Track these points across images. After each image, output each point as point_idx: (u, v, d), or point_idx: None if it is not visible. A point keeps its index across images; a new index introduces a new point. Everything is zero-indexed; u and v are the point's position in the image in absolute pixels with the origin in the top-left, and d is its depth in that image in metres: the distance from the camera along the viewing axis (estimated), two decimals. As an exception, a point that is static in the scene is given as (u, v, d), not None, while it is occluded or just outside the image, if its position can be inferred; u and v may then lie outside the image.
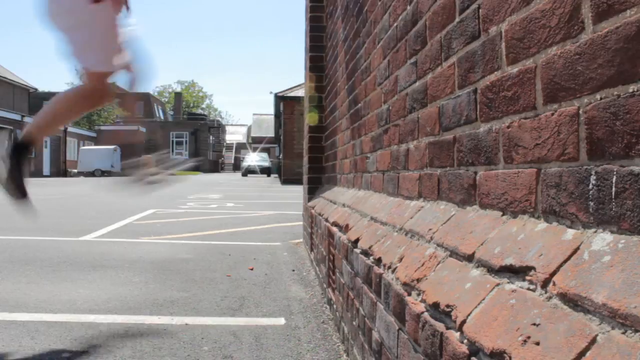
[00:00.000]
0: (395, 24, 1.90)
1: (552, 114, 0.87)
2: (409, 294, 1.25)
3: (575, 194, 0.81)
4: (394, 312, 1.36)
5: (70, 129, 37.41)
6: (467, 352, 0.89)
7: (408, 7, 1.73)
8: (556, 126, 0.86)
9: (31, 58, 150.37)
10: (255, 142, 54.65)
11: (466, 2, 1.24)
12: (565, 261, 0.77)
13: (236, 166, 61.86)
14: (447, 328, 1.00)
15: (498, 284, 0.92)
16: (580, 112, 0.80)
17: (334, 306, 2.59)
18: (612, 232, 0.72)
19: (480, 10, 1.16)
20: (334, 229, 2.66)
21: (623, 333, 0.61)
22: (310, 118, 4.49)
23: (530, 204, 0.95)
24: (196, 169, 49.91)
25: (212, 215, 8.20)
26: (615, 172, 0.72)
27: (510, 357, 0.76)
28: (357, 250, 1.94)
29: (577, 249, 0.77)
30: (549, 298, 0.77)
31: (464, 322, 0.93)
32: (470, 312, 0.93)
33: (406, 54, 1.76)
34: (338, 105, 3.51)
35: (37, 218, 7.14)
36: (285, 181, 22.65)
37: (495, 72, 1.09)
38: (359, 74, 2.69)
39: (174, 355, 2.15)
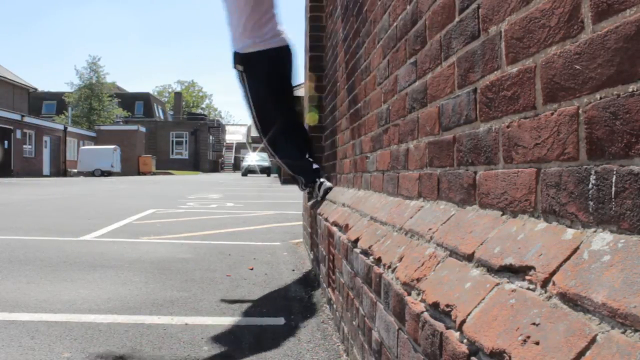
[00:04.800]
0: (394, 24, 1.90)
1: (552, 114, 0.87)
2: (409, 294, 1.25)
3: (575, 194, 0.81)
4: (394, 312, 1.36)
5: (70, 129, 37.39)
6: (466, 351, 0.89)
7: (408, 7, 1.73)
8: (556, 126, 0.86)
9: (31, 58, 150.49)
10: (255, 142, 54.63)
11: (466, 2, 1.24)
12: (565, 261, 0.77)
13: (236, 166, 61.85)
14: (447, 328, 1.00)
15: (498, 284, 0.92)
16: (580, 111, 0.80)
17: (334, 306, 2.59)
18: (611, 231, 0.72)
19: (480, 10, 1.16)
20: (334, 228, 2.66)
21: (623, 333, 0.61)
22: (309, 118, 4.49)
23: (530, 204, 0.95)
24: (196, 168, 49.93)
25: (212, 215, 8.20)
26: (614, 172, 0.72)
27: (510, 357, 0.76)
28: (357, 250, 1.94)
29: (577, 248, 0.77)
30: (549, 298, 0.77)
31: (463, 321, 0.93)
32: (470, 312, 0.93)
33: (406, 53, 1.76)
34: (338, 105, 3.51)
35: (38, 218, 7.14)
36: (285, 181, 22.64)
37: (495, 72, 1.09)
38: (358, 74, 2.69)
39: (174, 355, 2.15)
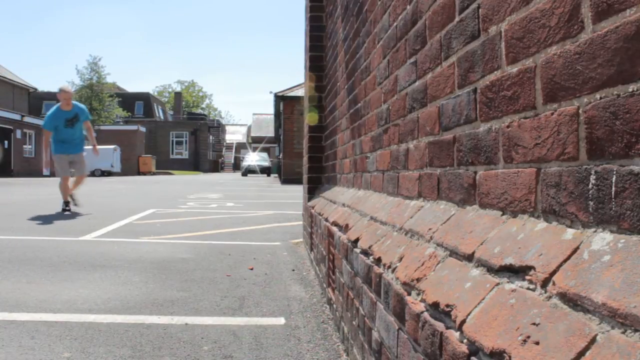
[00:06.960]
0: (395, 24, 1.90)
1: (552, 114, 0.87)
2: (409, 294, 1.25)
3: (575, 194, 0.81)
4: (394, 312, 1.36)
5: (70, 129, 37.33)
6: (466, 351, 0.89)
7: (408, 7, 1.73)
8: (556, 126, 0.86)
9: (31, 58, 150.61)
10: (255, 142, 54.65)
11: (466, 2, 1.24)
12: (565, 261, 0.77)
13: (236, 166, 61.87)
14: (447, 328, 1.00)
15: (498, 284, 0.92)
16: (580, 111, 0.80)
17: (334, 306, 2.59)
18: (611, 231, 0.72)
19: (480, 10, 1.16)
20: (334, 228, 2.65)
21: (623, 333, 0.61)
22: (310, 118, 4.49)
23: (530, 204, 0.95)
24: (196, 168, 49.94)
25: (212, 215, 8.20)
26: (614, 172, 0.72)
27: (510, 357, 0.76)
28: (357, 250, 1.94)
29: (577, 248, 0.77)
30: (549, 298, 0.77)
31: (463, 321, 0.93)
32: (470, 312, 0.93)
33: (406, 53, 1.76)
34: (338, 105, 3.51)
35: (37, 218, 7.14)
36: (285, 181, 22.65)
37: (495, 72, 1.09)
38: (358, 74, 2.69)
39: (174, 355, 2.15)
